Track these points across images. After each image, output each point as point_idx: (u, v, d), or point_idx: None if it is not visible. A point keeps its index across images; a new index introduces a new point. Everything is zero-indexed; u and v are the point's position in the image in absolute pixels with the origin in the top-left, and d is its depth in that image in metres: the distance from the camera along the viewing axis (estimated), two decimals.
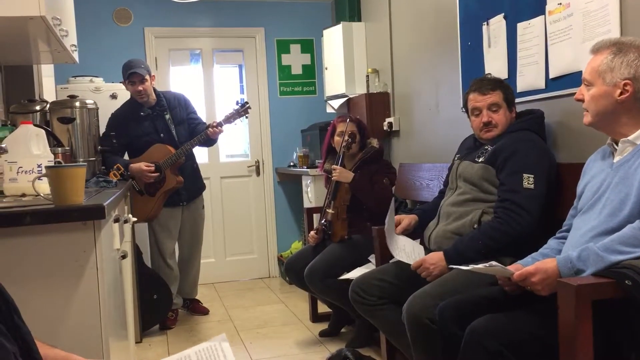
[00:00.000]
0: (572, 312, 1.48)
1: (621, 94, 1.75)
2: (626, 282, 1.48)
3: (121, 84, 3.96)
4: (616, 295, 1.52)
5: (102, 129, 3.65)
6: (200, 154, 4.07)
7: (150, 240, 3.95)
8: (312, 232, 3.47)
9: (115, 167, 3.55)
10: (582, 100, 1.86)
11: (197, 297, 4.25)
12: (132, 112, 3.78)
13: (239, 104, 3.76)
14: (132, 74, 3.66)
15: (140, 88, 3.68)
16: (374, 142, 3.46)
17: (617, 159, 1.82)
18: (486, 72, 2.94)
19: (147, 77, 3.71)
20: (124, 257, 2.39)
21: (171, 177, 3.73)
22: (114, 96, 4.20)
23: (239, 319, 4.06)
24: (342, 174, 3.26)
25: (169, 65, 5.10)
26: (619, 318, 1.59)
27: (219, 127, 3.69)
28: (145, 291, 3.65)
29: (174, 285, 3.95)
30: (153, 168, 3.64)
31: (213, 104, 5.24)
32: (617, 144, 1.83)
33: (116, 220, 2.25)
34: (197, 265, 4.16)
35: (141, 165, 3.63)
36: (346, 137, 3.29)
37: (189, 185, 3.89)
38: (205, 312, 4.22)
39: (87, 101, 3.37)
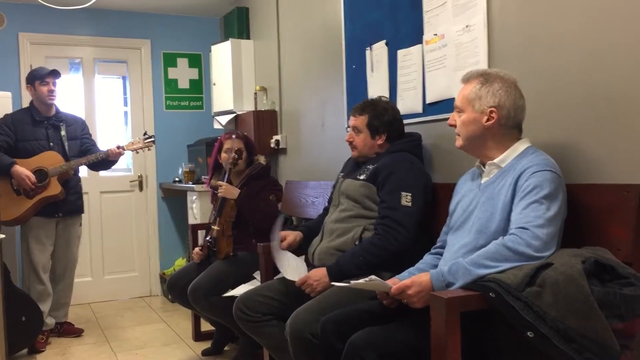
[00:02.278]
0: (442, 322, 1.57)
1: (488, 120, 1.90)
2: (490, 294, 1.60)
3: None
4: (482, 307, 1.63)
5: None
6: (80, 167, 3.91)
7: (23, 254, 3.75)
8: (196, 249, 3.42)
9: None
10: (454, 126, 1.99)
11: (68, 320, 4.04)
12: (27, 115, 3.75)
13: (146, 136, 3.90)
14: (52, 73, 3.71)
15: (54, 88, 3.72)
16: (261, 159, 3.48)
17: (484, 180, 1.97)
18: (369, 94, 3.07)
19: (57, 81, 3.78)
20: None
21: (55, 185, 3.64)
22: None
23: (117, 340, 3.89)
24: (228, 190, 3.24)
25: None
26: (484, 328, 1.71)
27: (122, 150, 3.79)
28: (13, 312, 3.40)
29: (46, 303, 3.73)
30: (35, 180, 3.55)
31: (93, 115, 5.03)
32: (484, 166, 1.98)
33: None
34: (68, 285, 3.97)
35: (26, 172, 3.53)
36: (232, 154, 3.29)
37: (71, 200, 3.81)
38: (78, 333, 4.00)
39: None
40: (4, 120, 3.69)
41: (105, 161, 3.80)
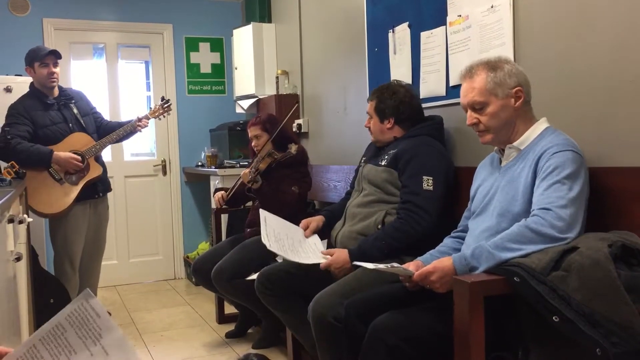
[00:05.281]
0: (466, 307, 1.56)
1: (515, 101, 1.86)
2: (515, 279, 1.58)
3: (17, 76, 3.75)
4: (506, 291, 1.62)
5: None
6: (103, 152, 3.91)
7: (58, 242, 3.64)
8: (218, 194, 3.49)
9: (9, 164, 3.33)
10: (476, 124, 1.92)
11: None
12: (36, 101, 3.54)
13: (164, 101, 3.81)
14: (50, 53, 3.47)
15: (54, 70, 3.50)
16: (293, 148, 3.28)
17: (504, 163, 1.95)
18: (392, 77, 3.04)
19: (59, 62, 3.57)
20: (18, 259, 2.27)
21: (95, 166, 3.57)
22: (8, 89, 3.97)
23: (142, 322, 3.96)
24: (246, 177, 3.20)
25: (70, 59, 4.88)
26: (508, 312, 1.70)
27: (146, 120, 3.71)
28: (41, 295, 3.46)
29: (74, 293, 3.77)
30: (80, 159, 3.46)
31: (117, 100, 5.08)
32: (503, 150, 1.96)
33: (10, 221, 2.14)
34: (97, 270, 3.97)
35: (68, 154, 3.42)
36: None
37: (103, 177, 3.74)
38: None
39: None
40: (17, 110, 3.46)
41: (131, 133, 3.72)
